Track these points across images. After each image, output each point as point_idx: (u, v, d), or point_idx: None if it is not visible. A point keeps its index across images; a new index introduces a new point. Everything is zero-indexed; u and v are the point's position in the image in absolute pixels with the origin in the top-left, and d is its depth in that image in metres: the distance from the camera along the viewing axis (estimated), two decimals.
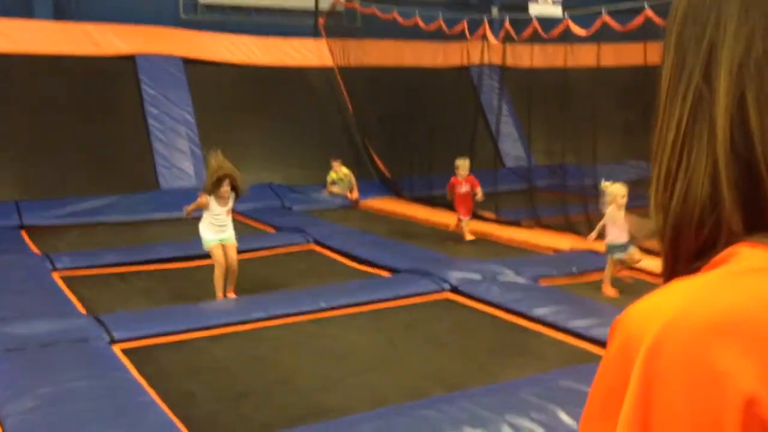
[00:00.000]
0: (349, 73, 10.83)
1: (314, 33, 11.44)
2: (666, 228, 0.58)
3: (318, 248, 7.17)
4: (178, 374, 4.13)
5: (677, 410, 0.48)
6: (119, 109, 9.73)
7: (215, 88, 10.27)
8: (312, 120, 10.60)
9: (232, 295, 5.49)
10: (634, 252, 5.58)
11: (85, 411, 3.37)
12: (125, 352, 4.32)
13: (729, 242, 0.54)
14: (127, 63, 10.02)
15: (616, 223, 5.54)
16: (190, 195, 9.23)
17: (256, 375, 4.13)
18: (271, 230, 8.00)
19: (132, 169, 9.42)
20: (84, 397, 3.51)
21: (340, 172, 9.71)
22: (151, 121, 9.82)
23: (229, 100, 10.29)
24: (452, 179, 7.49)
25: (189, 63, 10.32)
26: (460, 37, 9.29)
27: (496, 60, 9.69)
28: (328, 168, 9.86)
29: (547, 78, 9.11)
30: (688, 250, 0.57)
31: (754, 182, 0.53)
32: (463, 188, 7.40)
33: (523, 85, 9.41)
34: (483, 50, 9.54)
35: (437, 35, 9.82)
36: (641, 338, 0.50)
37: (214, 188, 5.39)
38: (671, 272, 0.58)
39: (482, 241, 7.42)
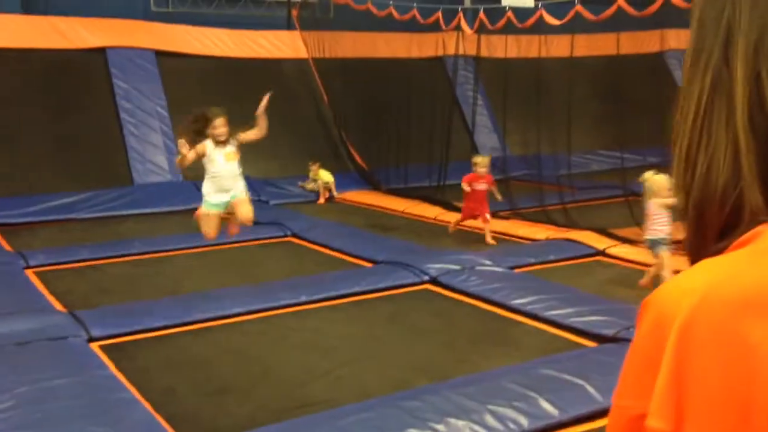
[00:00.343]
0: (324, 64, 10.78)
1: (287, 25, 11.36)
2: (689, 207, 0.59)
3: (296, 241, 7.15)
4: (159, 370, 4.09)
5: (711, 383, 0.50)
6: (90, 104, 9.57)
7: (188, 81, 10.15)
8: (287, 112, 10.53)
9: (235, 230, 5.16)
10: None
11: (66, 409, 3.33)
12: (104, 348, 4.28)
13: (753, 221, 0.55)
14: (98, 56, 9.86)
15: (660, 216, 5.20)
16: (164, 190, 9.20)
17: (238, 369, 4.11)
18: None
19: (105, 164, 9.28)
20: (64, 395, 3.47)
21: (318, 175, 9.61)
22: (123, 115, 9.68)
23: (203, 93, 10.15)
24: (471, 174, 7.06)
25: (161, 56, 10.18)
26: (435, 27, 9.29)
27: (471, 51, 9.72)
28: (304, 161, 9.81)
29: (521, 68, 9.16)
30: (712, 230, 0.58)
31: None
32: (481, 185, 7.02)
33: (497, 76, 9.44)
34: (457, 41, 9.56)
35: (411, 26, 9.81)
36: (674, 315, 0.52)
37: (200, 126, 4.72)
38: (697, 253, 0.59)
39: (459, 233, 7.45)
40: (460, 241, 7.06)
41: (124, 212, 8.48)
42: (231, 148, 4.86)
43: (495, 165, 10.11)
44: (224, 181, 4.79)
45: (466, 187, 6.98)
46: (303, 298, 5.10)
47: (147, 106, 9.81)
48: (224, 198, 4.84)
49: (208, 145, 4.77)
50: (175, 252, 6.70)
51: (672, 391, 0.52)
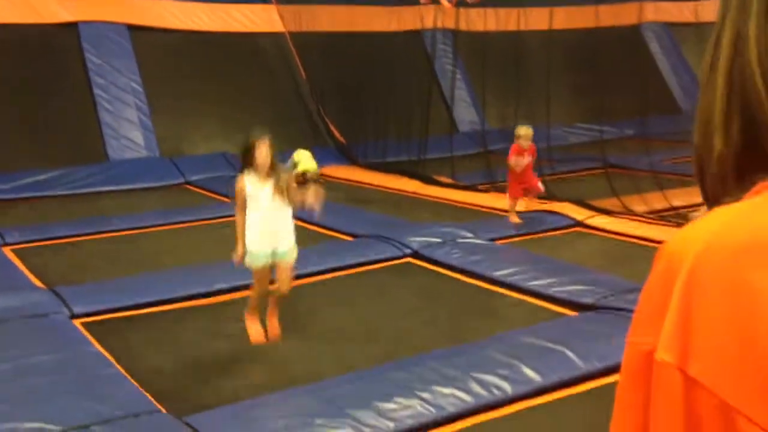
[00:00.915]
0: (301, 39, 10.67)
1: None
2: (707, 158, 0.62)
3: None
4: (144, 347, 4.08)
5: (715, 322, 0.53)
6: (63, 80, 9.40)
7: (163, 56, 10.00)
8: (264, 87, 10.44)
9: (274, 326, 4.03)
10: None
11: (50, 385, 3.32)
12: (87, 326, 4.25)
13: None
14: (70, 31, 9.66)
15: None
16: (140, 166, 9.10)
17: (223, 346, 4.12)
18: (227, 200, 7.91)
19: (79, 141, 9.15)
20: (48, 371, 3.45)
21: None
22: (97, 90, 9.52)
23: (179, 68, 10.04)
24: (514, 147, 6.40)
25: (134, 30, 10.00)
26: (413, 1, 9.23)
27: (450, 24, 9.68)
28: (282, 136, 9.72)
29: (500, 42, 9.16)
30: (728, 179, 0.61)
31: None
32: (526, 159, 6.38)
33: (476, 50, 9.43)
34: (436, 14, 9.51)
35: (388, 0, 9.74)
36: (682, 260, 0.56)
37: (245, 157, 3.78)
38: (715, 202, 0.62)
39: (439, 205, 7.48)
40: (440, 214, 7.09)
41: (100, 189, 8.39)
42: (278, 183, 3.75)
43: (473, 139, 10.18)
44: (269, 224, 3.76)
45: (514, 163, 6.35)
46: None
47: (121, 81, 9.66)
48: (267, 245, 3.79)
49: (244, 178, 3.77)
50: (154, 228, 6.66)
51: (679, 328, 0.55)
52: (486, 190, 7.83)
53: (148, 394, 3.36)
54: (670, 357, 0.56)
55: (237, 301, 4.72)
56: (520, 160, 6.37)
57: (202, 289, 4.79)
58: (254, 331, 4.00)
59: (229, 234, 6.60)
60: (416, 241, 5.69)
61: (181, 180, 8.85)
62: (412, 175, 8.71)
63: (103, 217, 6.95)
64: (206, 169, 9.06)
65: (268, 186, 3.74)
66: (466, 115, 11.27)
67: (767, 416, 0.53)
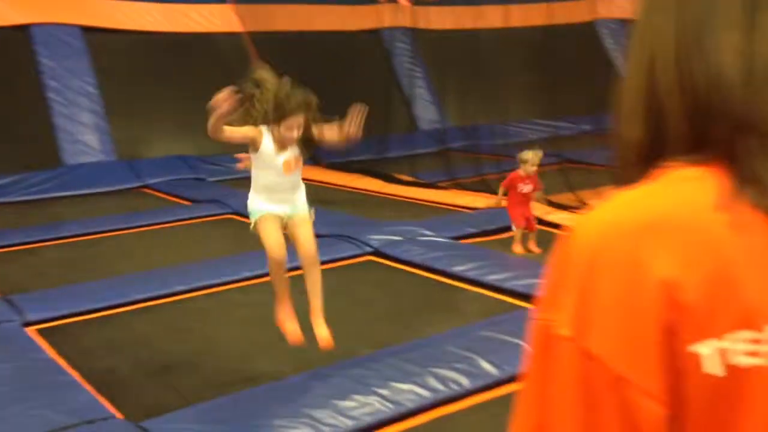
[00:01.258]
0: (259, 38, 10.61)
1: None
2: (623, 149, 0.68)
3: (237, 218, 7.08)
4: (100, 351, 4.03)
5: (609, 300, 0.58)
6: (14, 83, 9.19)
7: (118, 58, 9.85)
8: (222, 88, 10.34)
9: (321, 327, 3.49)
10: None
11: (3, 394, 3.25)
12: (41, 332, 4.18)
13: (668, 159, 0.63)
14: (22, 34, 9.46)
15: None
16: (96, 170, 8.94)
17: (182, 346, 4.08)
18: (186, 203, 7.83)
19: (33, 146, 8.94)
20: (0, 380, 3.38)
21: None
22: (50, 94, 9.33)
23: (134, 70, 9.90)
24: (512, 174, 5.70)
25: (88, 32, 9.83)
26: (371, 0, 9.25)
27: (408, 23, 9.72)
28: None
29: (458, 40, 9.23)
30: (632, 166, 0.67)
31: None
32: (526, 187, 5.66)
33: (434, 48, 9.49)
34: (394, 13, 9.54)
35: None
36: (582, 242, 0.61)
37: (277, 114, 3.18)
38: (620, 184, 0.68)
39: (400, 203, 7.51)
40: (402, 212, 7.12)
41: (56, 194, 8.24)
42: (294, 153, 3.34)
43: (434, 136, 10.23)
44: (280, 194, 3.35)
45: (501, 192, 5.80)
46: (246, 274, 5.07)
47: (75, 84, 9.48)
48: (276, 206, 3.35)
49: (264, 135, 3.24)
50: (111, 233, 6.55)
51: (578, 305, 0.60)
52: (446, 188, 7.89)
53: (103, 400, 3.32)
54: (568, 331, 0.59)
55: (196, 299, 4.69)
56: (519, 186, 5.66)
57: (160, 291, 4.74)
58: (289, 329, 3.41)
59: (187, 237, 6.58)
60: (377, 239, 5.71)
61: (139, 183, 8.73)
62: (374, 174, 8.74)
63: (59, 223, 6.83)
64: (164, 172, 8.95)
65: (283, 156, 3.29)
66: (425, 113, 11.32)
67: (656, 385, 0.57)
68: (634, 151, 0.65)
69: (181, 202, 7.91)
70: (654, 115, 0.63)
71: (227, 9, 10.95)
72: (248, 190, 3.42)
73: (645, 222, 0.58)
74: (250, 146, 3.33)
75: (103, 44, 9.84)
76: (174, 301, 4.71)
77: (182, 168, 9.14)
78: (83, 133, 9.28)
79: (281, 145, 3.28)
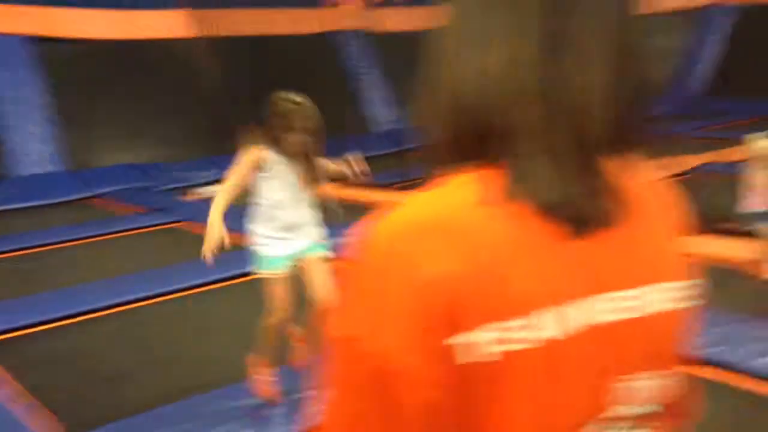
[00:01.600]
0: (210, 44, 10.53)
1: (171, 4, 10.99)
2: (430, 155, 0.72)
3: (186, 225, 7.00)
4: (44, 364, 3.94)
5: (369, 289, 0.62)
6: None
7: (68, 66, 9.68)
8: (174, 95, 10.25)
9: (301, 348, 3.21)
10: None
11: None
12: None
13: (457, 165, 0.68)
14: None
15: (761, 187, 4.37)
16: (45, 181, 8.77)
17: (129, 356, 4.02)
18: (140, 210, 7.73)
19: None
20: None
21: None
22: None
23: (84, 78, 9.75)
24: None
25: (38, 41, 9.65)
26: (319, 3, 9.25)
27: (360, 25, 9.74)
28: (193, 144, 9.59)
29: (411, 40, 9.27)
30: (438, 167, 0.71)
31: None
32: None
33: (389, 49, 9.52)
34: (346, 16, 9.55)
35: (299, 1, 9.73)
36: (373, 243, 0.64)
37: (281, 129, 2.81)
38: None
39: (354, 206, 7.51)
40: (354, 215, 7.12)
41: (4, 207, 8.07)
42: (304, 167, 2.93)
43: (389, 138, 10.26)
44: (293, 214, 2.91)
45: None
46: (193, 282, 5.02)
47: (23, 94, 9.30)
48: (290, 245, 2.91)
49: (266, 150, 2.84)
50: (61, 245, 6.44)
51: (349, 296, 0.64)
52: (402, 189, 7.92)
53: (47, 409, 3.25)
54: (356, 332, 0.63)
55: (143, 309, 4.63)
56: None
57: (105, 302, 4.67)
58: (263, 384, 3.02)
59: (135, 247, 6.48)
60: (333, 242, 5.69)
61: (89, 193, 8.59)
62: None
63: (8, 235, 6.68)
64: (114, 181, 8.84)
65: (294, 171, 2.88)
66: (379, 114, 11.35)
67: (428, 376, 0.60)
68: (446, 157, 0.69)
69: (131, 211, 7.80)
70: (441, 125, 0.68)
71: (178, 14, 10.85)
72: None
73: (418, 222, 0.63)
74: (257, 170, 2.91)
75: (53, 53, 9.67)
76: (119, 312, 4.64)
77: (132, 176, 9.02)
78: (32, 144, 9.10)
79: (290, 155, 2.88)
